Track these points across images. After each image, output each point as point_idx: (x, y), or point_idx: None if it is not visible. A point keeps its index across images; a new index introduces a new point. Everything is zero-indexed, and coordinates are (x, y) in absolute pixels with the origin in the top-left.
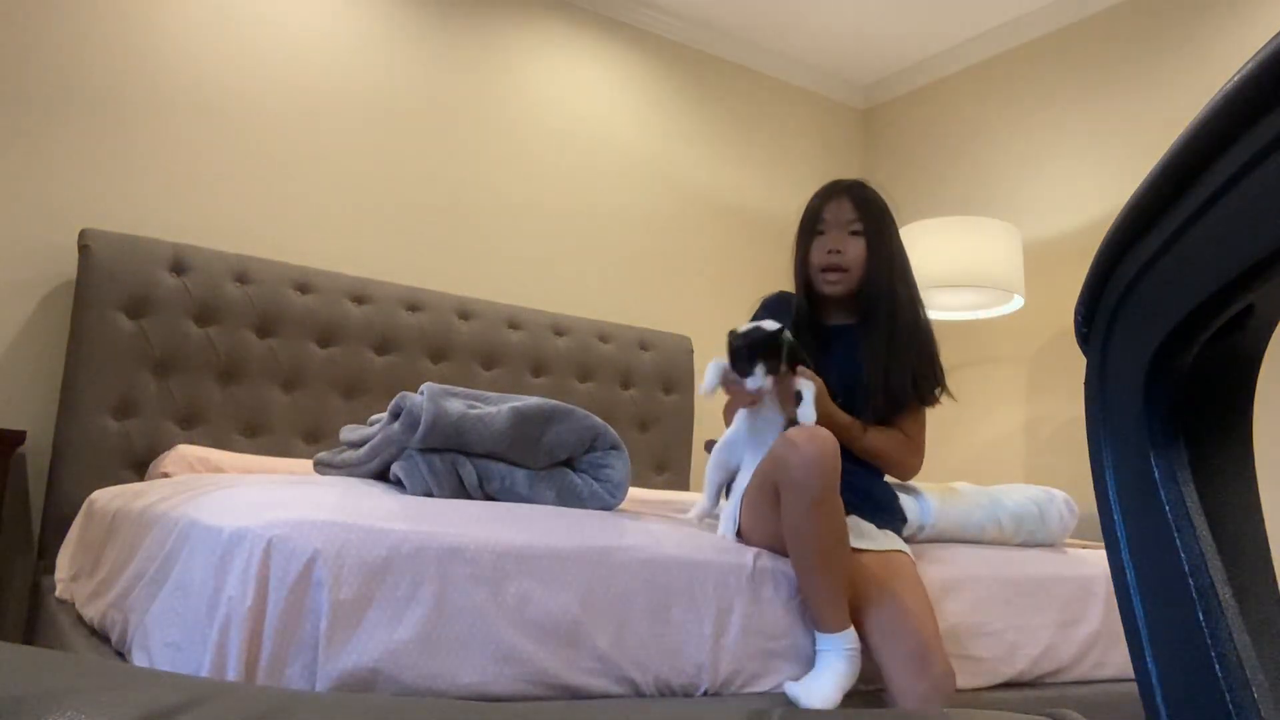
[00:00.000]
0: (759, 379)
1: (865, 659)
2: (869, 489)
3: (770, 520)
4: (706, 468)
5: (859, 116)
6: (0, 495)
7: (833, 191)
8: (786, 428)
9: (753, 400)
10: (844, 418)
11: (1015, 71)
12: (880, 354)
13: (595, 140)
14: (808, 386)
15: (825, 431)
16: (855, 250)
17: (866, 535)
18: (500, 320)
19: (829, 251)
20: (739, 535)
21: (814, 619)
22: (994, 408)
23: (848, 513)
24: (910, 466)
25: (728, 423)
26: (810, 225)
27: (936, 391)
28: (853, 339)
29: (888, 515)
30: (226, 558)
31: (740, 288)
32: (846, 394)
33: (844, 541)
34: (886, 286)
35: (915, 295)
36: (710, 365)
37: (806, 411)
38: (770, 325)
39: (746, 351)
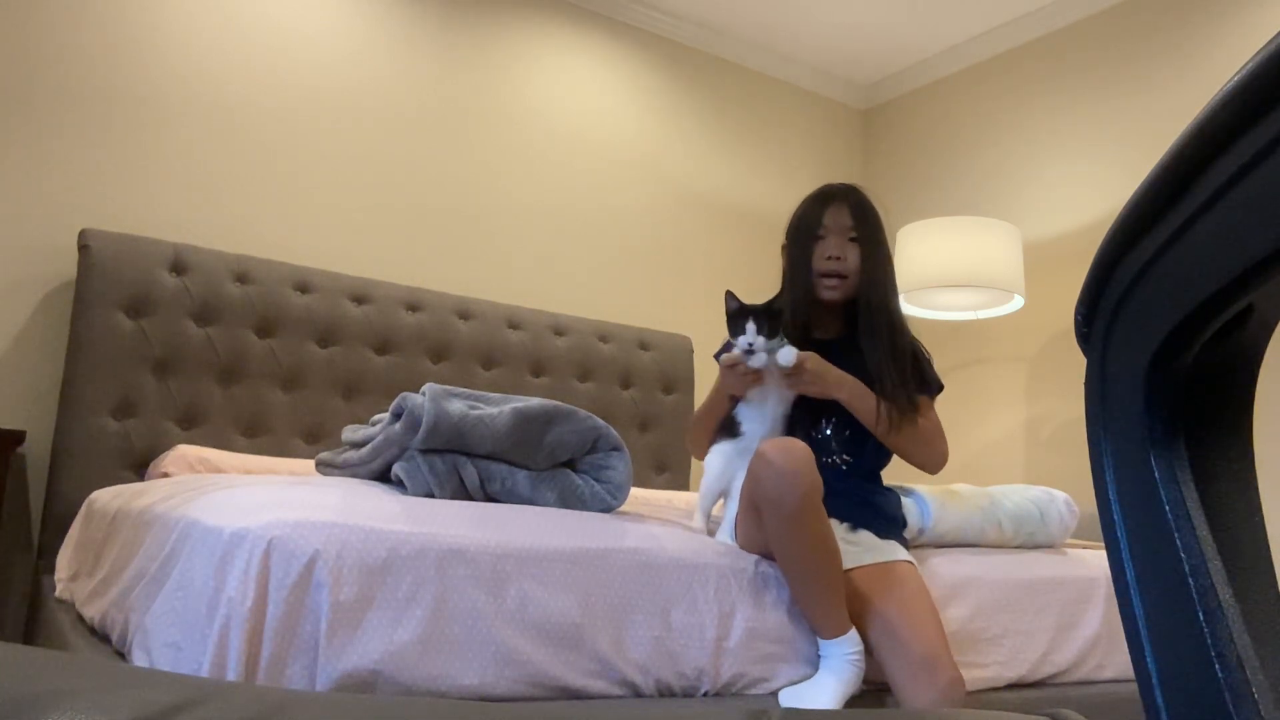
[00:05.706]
0: (750, 336)
1: (872, 667)
2: (871, 499)
3: (759, 534)
4: (700, 489)
5: (859, 116)
6: (0, 495)
7: (831, 197)
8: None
9: (745, 374)
10: (861, 386)
11: (1015, 72)
12: (888, 368)
13: (595, 140)
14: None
15: (799, 443)
16: (854, 257)
17: (869, 548)
18: (500, 320)
19: (829, 257)
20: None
21: (812, 627)
22: (994, 408)
23: (854, 527)
24: (938, 451)
25: (728, 398)
26: (809, 230)
27: (933, 377)
28: (840, 353)
29: (890, 524)
30: (227, 558)
31: (740, 287)
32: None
33: (831, 549)
34: (881, 297)
35: (898, 303)
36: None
37: (786, 353)
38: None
39: (742, 313)
